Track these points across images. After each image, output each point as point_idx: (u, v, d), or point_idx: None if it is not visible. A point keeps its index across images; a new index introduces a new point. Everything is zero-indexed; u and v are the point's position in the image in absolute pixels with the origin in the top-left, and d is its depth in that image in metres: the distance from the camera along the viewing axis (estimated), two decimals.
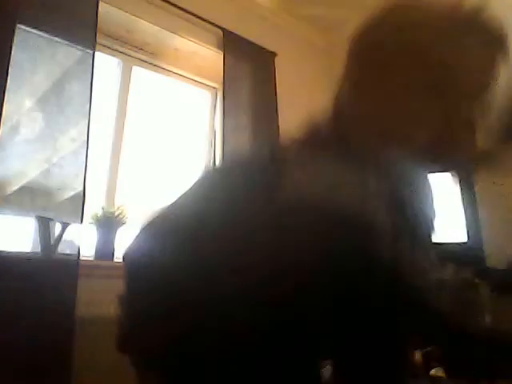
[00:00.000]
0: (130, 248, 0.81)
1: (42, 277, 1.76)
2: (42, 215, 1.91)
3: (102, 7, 2.23)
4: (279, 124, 2.90)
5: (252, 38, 2.94)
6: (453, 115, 0.79)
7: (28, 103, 2.02)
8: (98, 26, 2.17)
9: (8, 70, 1.85)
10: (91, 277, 1.95)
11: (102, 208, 2.34)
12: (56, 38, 2.08)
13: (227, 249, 0.66)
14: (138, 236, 0.81)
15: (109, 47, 2.60)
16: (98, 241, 2.21)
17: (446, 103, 0.79)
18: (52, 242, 1.89)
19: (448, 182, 2.34)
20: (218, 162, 2.90)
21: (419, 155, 0.77)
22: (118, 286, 2.28)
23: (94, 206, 2.33)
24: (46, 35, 2.06)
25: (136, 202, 2.64)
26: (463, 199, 2.23)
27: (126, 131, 2.61)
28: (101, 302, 1.94)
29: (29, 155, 2.00)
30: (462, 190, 2.25)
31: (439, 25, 0.81)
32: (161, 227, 0.78)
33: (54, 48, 2.10)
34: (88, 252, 2.21)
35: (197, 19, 2.70)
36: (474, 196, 2.23)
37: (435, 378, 1.57)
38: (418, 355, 1.66)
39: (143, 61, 2.76)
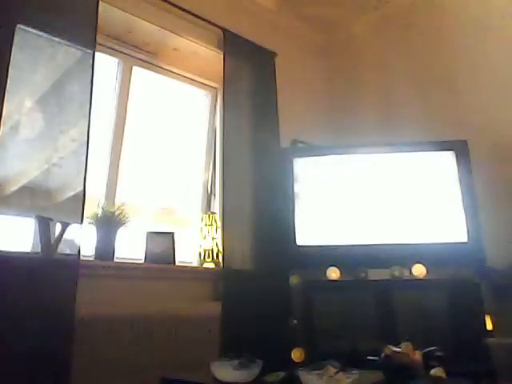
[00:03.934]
0: None
1: (42, 277, 1.76)
2: (42, 215, 1.91)
3: (102, 7, 2.23)
4: (279, 124, 2.90)
5: (252, 38, 2.94)
6: None
7: (28, 103, 2.02)
8: (98, 25, 2.16)
9: (8, 70, 1.85)
10: (91, 277, 1.96)
11: (102, 208, 2.34)
12: (56, 38, 2.08)
13: None
14: None
15: (109, 47, 2.60)
16: (98, 241, 2.21)
17: None
18: (52, 242, 1.88)
19: (449, 182, 2.36)
20: (217, 163, 2.90)
21: None
22: (118, 285, 2.29)
23: (94, 206, 2.33)
24: (46, 35, 2.06)
25: (136, 202, 2.65)
26: (463, 199, 2.23)
27: (126, 131, 2.61)
28: (101, 302, 1.94)
29: (29, 155, 2.00)
30: (462, 189, 2.24)
31: None
32: None
33: (54, 48, 2.10)
34: (88, 252, 2.21)
35: (197, 19, 2.70)
36: (474, 196, 2.23)
37: (435, 378, 1.56)
38: (418, 355, 1.65)
39: (143, 61, 2.76)
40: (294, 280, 2.24)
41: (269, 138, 2.83)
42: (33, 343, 1.66)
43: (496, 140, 2.48)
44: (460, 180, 2.26)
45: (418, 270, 2.13)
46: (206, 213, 2.77)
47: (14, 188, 1.99)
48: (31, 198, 1.97)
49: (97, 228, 2.22)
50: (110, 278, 2.11)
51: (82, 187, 1.93)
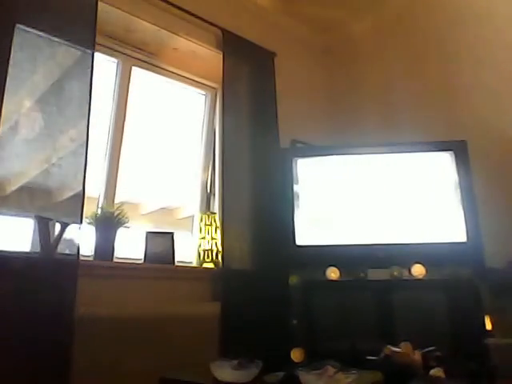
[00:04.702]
0: None
1: (42, 277, 1.76)
2: (42, 215, 1.91)
3: (102, 7, 2.23)
4: (279, 124, 2.90)
5: (252, 38, 2.94)
6: None
7: (27, 103, 2.02)
8: (98, 26, 2.16)
9: (7, 70, 1.85)
10: (91, 277, 1.95)
11: (102, 208, 2.34)
12: (55, 38, 2.08)
13: None
14: None
15: (108, 47, 2.60)
16: (97, 241, 2.21)
17: None
18: (51, 241, 1.88)
19: (448, 182, 2.36)
20: (217, 163, 2.90)
21: None
22: (118, 285, 2.29)
23: (93, 206, 2.33)
24: (45, 35, 2.06)
25: (136, 202, 2.65)
26: (462, 199, 2.23)
27: (125, 131, 2.61)
28: (100, 302, 1.94)
29: (28, 155, 2.00)
30: (461, 190, 2.25)
31: None
32: None
33: (54, 48, 2.10)
34: (88, 252, 2.21)
35: (196, 19, 2.70)
36: (473, 196, 2.23)
37: (434, 378, 1.56)
38: (417, 355, 1.65)
39: (142, 61, 2.76)
40: (293, 280, 2.24)
41: (268, 138, 2.83)
42: (32, 343, 1.66)
43: (495, 140, 2.49)
44: (459, 180, 2.26)
45: (418, 270, 2.14)
46: (205, 213, 2.77)
47: (13, 188, 1.99)
48: (30, 198, 1.97)
49: (96, 228, 2.22)
50: (109, 278, 2.11)
51: (82, 187, 1.93)
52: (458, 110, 2.70)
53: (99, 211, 2.31)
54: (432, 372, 1.59)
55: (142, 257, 2.37)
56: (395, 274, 2.16)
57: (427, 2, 3.03)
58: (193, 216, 2.83)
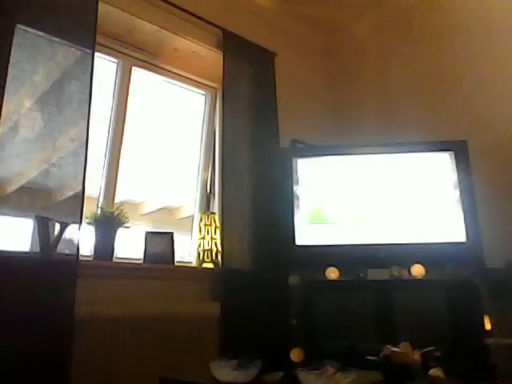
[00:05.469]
0: None
1: (41, 277, 1.76)
2: (41, 215, 1.91)
3: (102, 7, 2.23)
4: (279, 124, 2.90)
5: (252, 38, 2.94)
6: None
7: (27, 103, 2.03)
8: (98, 25, 2.17)
9: (8, 69, 1.85)
10: (90, 277, 1.96)
11: (101, 208, 2.34)
12: (55, 38, 2.08)
13: None
14: None
15: (108, 47, 2.60)
16: (97, 241, 2.21)
17: None
18: (51, 241, 1.88)
19: (448, 183, 2.36)
20: (217, 162, 2.90)
21: None
22: (117, 285, 2.29)
23: (93, 206, 2.33)
24: (45, 35, 2.06)
25: (135, 202, 2.65)
26: (462, 199, 2.23)
27: (125, 131, 2.61)
28: (100, 302, 1.94)
29: (28, 155, 2.00)
30: (461, 190, 2.25)
31: None
32: None
33: (54, 48, 2.10)
34: (87, 252, 2.21)
35: (197, 19, 2.70)
36: (473, 196, 2.23)
37: (434, 378, 1.56)
38: (417, 355, 1.66)
39: (143, 61, 2.76)
40: (293, 280, 2.24)
41: (268, 137, 2.83)
42: (32, 343, 1.66)
43: (495, 140, 2.48)
44: (459, 180, 2.26)
45: (417, 270, 2.14)
46: (205, 213, 2.77)
47: (13, 188, 1.99)
48: (30, 198, 1.97)
49: (96, 228, 2.22)
50: (108, 277, 2.11)
51: (81, 187, 1.93)
52: (458, 109, 2.70)
53: (99, 211, 2.31)
54: (431, 372, 1.59)
55: (142, 257, 2.37)
56: (395, 273, 2.16)
57: (427, 2, 3.03)
58: (193, 216, 2.83)
